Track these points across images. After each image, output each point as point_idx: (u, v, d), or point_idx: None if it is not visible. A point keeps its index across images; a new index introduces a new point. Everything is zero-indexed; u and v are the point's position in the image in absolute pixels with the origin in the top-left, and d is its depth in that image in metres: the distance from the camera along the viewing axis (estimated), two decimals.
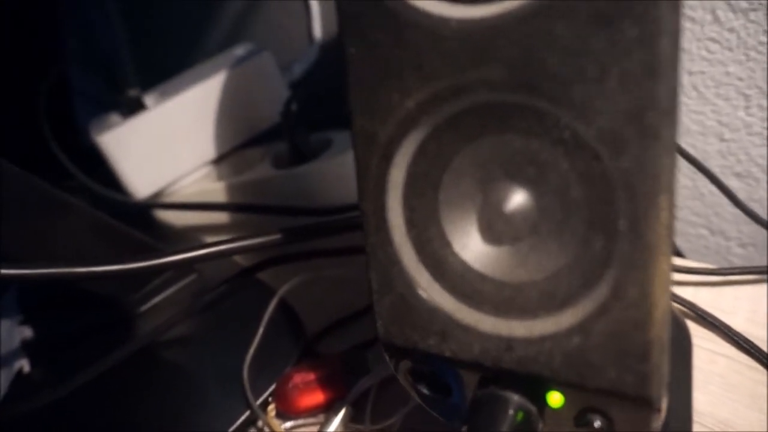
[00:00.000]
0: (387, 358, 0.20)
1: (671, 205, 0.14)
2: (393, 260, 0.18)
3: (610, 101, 0.13)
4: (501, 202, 0.17)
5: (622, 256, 0.14)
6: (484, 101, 0.15)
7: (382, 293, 0.19)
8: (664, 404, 0.16)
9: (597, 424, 0.16)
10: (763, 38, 0.28)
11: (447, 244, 0.18)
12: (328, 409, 0.27)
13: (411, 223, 0.18)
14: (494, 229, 0.17)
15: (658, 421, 0.16)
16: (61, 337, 0.35)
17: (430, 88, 0.16)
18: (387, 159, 0.17)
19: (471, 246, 0.18)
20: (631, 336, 0.15)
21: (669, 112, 0.13)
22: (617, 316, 0.15)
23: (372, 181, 0.18)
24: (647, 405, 0.15)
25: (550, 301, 0.16)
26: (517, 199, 0.17)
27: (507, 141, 0.16)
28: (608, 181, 0.14)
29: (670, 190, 0.14)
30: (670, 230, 0.14)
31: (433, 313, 0.18)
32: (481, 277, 0.17)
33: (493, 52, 0.15)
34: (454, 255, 0.18)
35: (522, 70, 0.14)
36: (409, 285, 0.18)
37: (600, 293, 0.15)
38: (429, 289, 0.18)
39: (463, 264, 0.18)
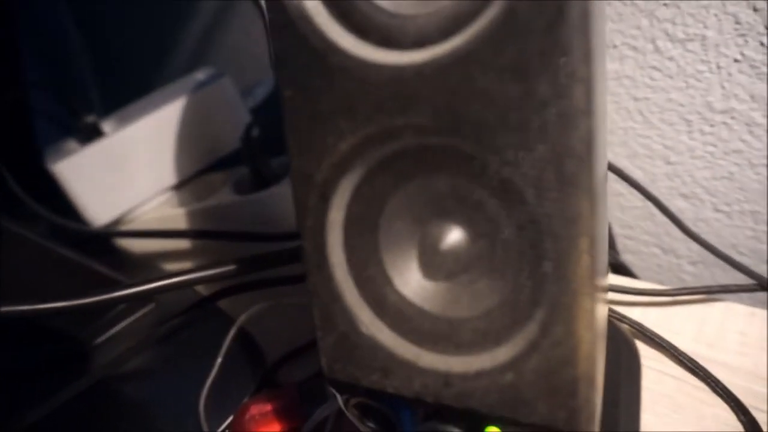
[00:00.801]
0: (335, 393, 0.20)
1: (592, 248, 0.14)
2: (334, 298, 0.18)
3: (530, 149, 0.14)
4: (437, 241, 0.17)
5: (549, 297, 0.15)
6: (414, 145, 0.16)
7: (325, 330, 0.19)
8: None
9: None
10: (701, 67, 0.30)
11: (388, 282, 0.18)
12: None
13: (351, 262, 0.18)
14: (432, 265, 0.17)
15: None
16: (13, 371, 0.34)
17: (362, 132, 0.16)
18: (324, 200, 0.17)
19: (411, 282, 0.18)
20: (560, 373, 0.15)
21: (586, 158, 0.14)
22: (546, 354, 0.15)
23: (311, 221, 0.18)
24: None
25: (484, 338, 0.16)
26: (452, 237, 0.17)
27: (437, 183, 0.16)
28: (535, 225, 0.15)
29: (591, 234, 0.14)
30: (592, 271, 0.14)
31: (375, 349, 0.18)
32: (420, 312, 0.18)
33: (419, 98, 0.15)
34: (395, 292, 0.18)
35: (447, 116, 0.15)
36: (351, 322, 0.18)
37: (530, 331, 0.15)
38: (370, 326, 0.18)
39: (404, 299, 0.18)
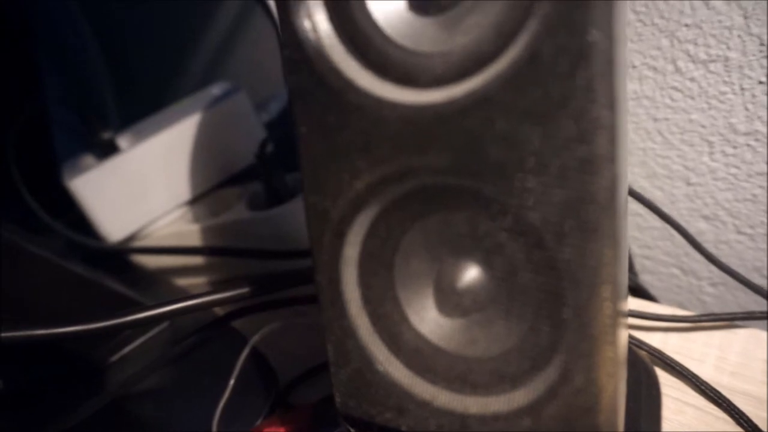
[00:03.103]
0: (348, 428, 0.20)
1: (615, 296, 0.14)
2: (348, 334, 0.18)
3: (549, 194, 0.14)
4: (454, 279, 0.17)
5: (568, 344, 0.14)
6: (431, 184, 0.15)
7: (338, 366, 0.19)
8: None
9: None
10: (723, 88, 0.29)
11: (404, 319, 0.18)
12: None
13: (366, 299, 0.18)
14: (448, 303, 0.17)
15: None
16: (28, 390, 0.34)
17: (378, 171, 0.16)
18: (339, 236, 0.17)
19: (427, 319, 0.18)
20: (581, 421, 0.15)
21: (608, 205, 0.13)
22: (566, 401, 0.15)
23: (326, 256, 0.18)
24: None
25: (500, 380, 0.16)
26: (469, 276, 0.17)
27: (455, 222, 0.16)
28: (555, 270, 0.14)
29: (614, 281, 0.14)
30: (615, 319, 0.14)
31: (390, 387, 0.18)
32: (436, 350, 0.17)
33: (436, 139, 0.15)
34: (411, 329, 0.18)
35: (465, 157, 0.14)
36: (366, 359, 0.18)
37: (549, 376, 0.15)
38: (385, 363, 0.18)
39: (420, 337, 0.17)
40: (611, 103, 0.13)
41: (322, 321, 0.19)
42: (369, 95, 0.15)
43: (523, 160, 0.14)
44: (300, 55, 0.16)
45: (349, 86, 0.16)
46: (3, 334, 0.24)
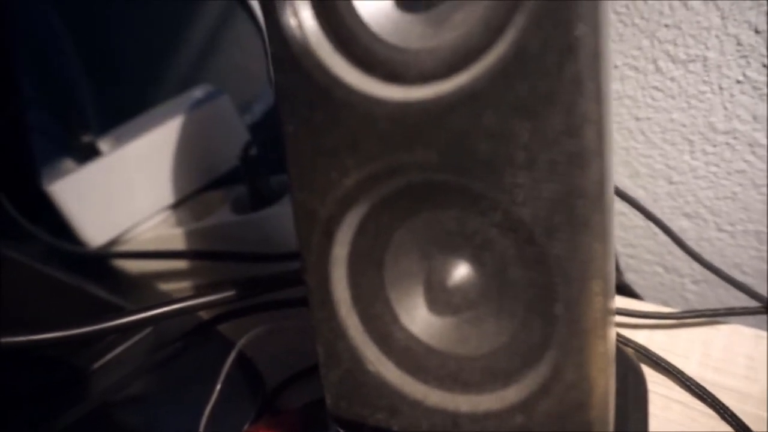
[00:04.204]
0: (339, 430, 0.20)
1: (606, 290, 0.14)
2: (339, 335, 0.18)
3: (539, 188, 0.14)
4: (444, 277, 0.17)
5: (560, 340, 0.14)
6: (420, 181, 0.15)
7: (329, 367, 0.18)
8: None
9: None
10: (703, 87, 0.29)
11: (394, 319, 0.17)
12: None
13: (356, 299, 0.18)
14: (439, 302, 0.17)
15: None
16: (10, 397, 0.34)
17: (367, 169, 0.16)
18: (328, 236, 0.17)
19: (418, 318, 0.17)
20: (573, 417, 0.15)
21: (598, 199, 0.13)
22: (558, 397, 0.15)
23: (314, 256, 0.17)
24: None
25: (492, 378, 0.16)
26: (460, 273, 0.17)
27: (444, 219, 0.16)
28: (545, 265, 0.14)
29: (604, 275, 0.14)
30: (605, 314, 0.14)
31: (381, 387, 0.18)
32: (427, 349, 0.17)
33: (425, 136, 0.15)
34: (402, 329, 0.17)
35: (453, 153, 0.14)
36: (357, 360, 0.18)
37: (541, 373, 0.15)
38: (376, 364, 0.18)
39: (410, 336, 0.17)
40: (598, 97, 0.13)
41: (311, 322, 0.18)
42: (356, 92, 0.15)
43: (512, 155, 0.14)
44: (286, 52, 0.16)
45: (335, 83, 0.15)
46: None
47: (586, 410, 0.15)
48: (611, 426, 0.15)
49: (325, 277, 0.17)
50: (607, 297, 0.14)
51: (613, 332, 0.18)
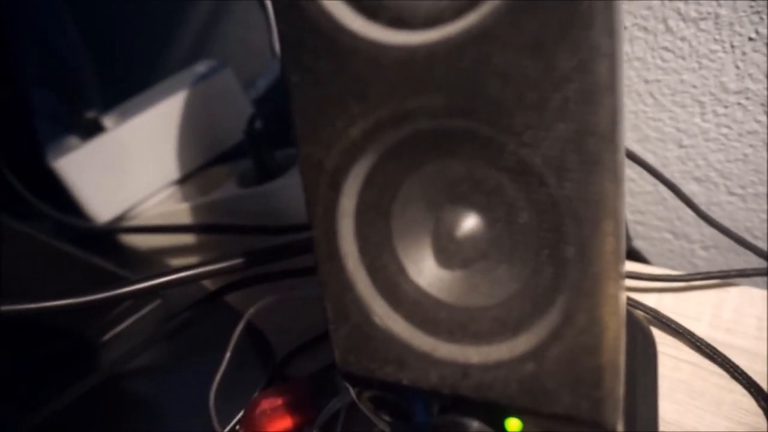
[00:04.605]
0: (348, 386, 0.20)
1: (617, 230, 0.14)
2: (346, 288, 0.18)
3: (550, 128, 0.13)
4: (452, 228, 0.17)
5: (571, 283, 0.14)
6: (428, 128, 0.15)
7: (337, 322, 0.18)
8: (619, 427, 0.16)
9: None
10: (714, 46, 0.29)
11: (402, 271, 0.17)
12: None
13: (364, 251, 0.17)
14: (447, 253, 0.17)
15: None
16: (22, 370, 0.34)
17: (373, 117, 0.15)
18: (335, 187, 0.17)
19: (426, 271, 0.17)
20: (584, 362, 0.15)
21: (610, 137, 0.13)
22: (569, 342, 0.15)
23: (321, 209, 0.17)
24: (602, 429, 0.15)
25: (503, 327, 0.16)
26: (468, 224, 0.16)
27: (452, 167, 0.16)
28: (556, 208, 0.14)
29: (615, 216, 0.14)
30: (617, 255, 0.14)
31: (389, 341, 0.18)
32: (436, 302, 0.17)
33: (432, 80, 0.14)
34: (409, 281, 0.17)
35: (462, 97, 0.14)
36: (365, 313, 0.18)
37: (552, 319, 0.15)
38: (384, 317, 0.18)
39: (418, 290, 0.17)
40: (611, 30, 0.13)
41: (319, 277, 0.18)
42: (361, 38, 0.15)
43: (522, 95, 0.13)
44: (291, 1, 0.15)
45: (340, 30, 0.15)
46: None
47: (597, 355, 0.14)
48: (622, 372, 0.15)
49: (332, 230, 0.17)
50: (619, 239, 0.14)
51: (623, 286, 0.18)
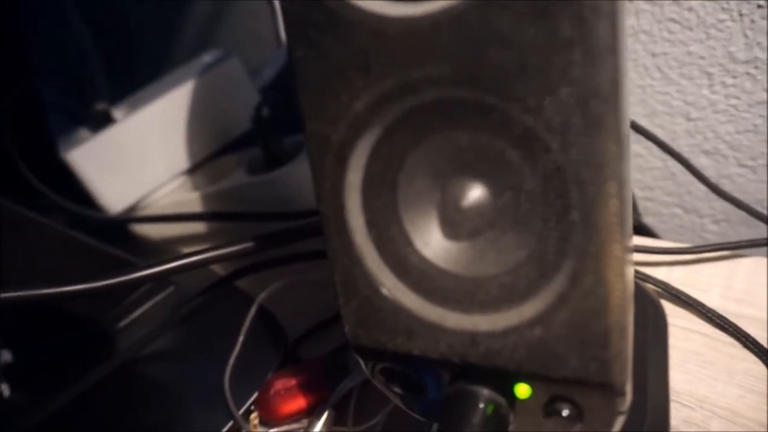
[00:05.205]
0: (359, 359, 0.20)
1: (621, 193, 0.14)
2: (355, 262, 0.18)
3: (553, 93, 0.13)
4: (458, 198, 0.17)
5: (577, 246, 0.14)
6: (432, 99, 0.15)
7: (347, 297, 0.19)
8: (628, 388, 0.16)
9: (565, 412, 0.16)
10: (722, 15, 0.29)
11: (408, 243, 0.18)
12: (310, 414, 0.27)
13: (371, 224, 0.18)
14: (453, 224, 0.17)
15: (624, 404, 0.16)
16: (40, 358, 0.35)
17: (378, 89, 0.15)
18: (341, 162, 0.17)
19: (432, 242, 0.18)
20: (591, 324, 0.15)
21: (612, 98, 0.13)
22: (576, 306, 0.15)
23: (328, 184, 0.17)
24: (611, 391, 0.15)
25: (510, 294, 0.16)
26: (474, 194, 0.17)
27: (457, 137, 0.16)
28: (560, 173, 0.14)
29: (619, 178, 0.14)
30: (622, 217, 0.14)
31: (398, 312, 0.18)
32: (442, 273, 0.17)
33: (435, 49, 0.14)
34: (416, 252, 0.17)
35: (465, 65, 0.14)
36: (373, 286, 0.18)
37: (558, 283, 0.15)
38: (393, 289, 0.18)
39: (425, 261, 0.17)
40: None
41: (328, 253, 0.18)
42: (364, 11, 0.15)
43: (523, 60, 0.13)
44: None
45: (343, 3, 0.15)
46: (7, 294, 0.24)
47: (603, 317, 0.15)
48: (629, 335, 0.15)
49: (340, 204, 0.17)
50: (623, 201, 0.14)
51: (630, 259, 0.18)
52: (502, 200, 0.16)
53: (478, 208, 0.16)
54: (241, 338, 0.31)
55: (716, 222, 0.35)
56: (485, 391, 0.17)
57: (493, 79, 0.14)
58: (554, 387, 0.16)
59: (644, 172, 0.35)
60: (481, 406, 0.17)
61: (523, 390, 0.17)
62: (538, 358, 0.16)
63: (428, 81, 0.15)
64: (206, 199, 0.42)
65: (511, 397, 0.17)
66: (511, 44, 0.14)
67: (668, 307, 0.28)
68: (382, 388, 0.21)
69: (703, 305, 0.27)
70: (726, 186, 0.33)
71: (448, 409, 0.17)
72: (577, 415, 0.16)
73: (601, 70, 0.13)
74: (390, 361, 0.19)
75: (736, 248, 0.28)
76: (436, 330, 0.17)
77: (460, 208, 0.17)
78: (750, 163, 0.32)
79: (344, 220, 0.18)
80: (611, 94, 0.13)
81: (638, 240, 0.31)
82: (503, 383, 0.17)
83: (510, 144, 0.15)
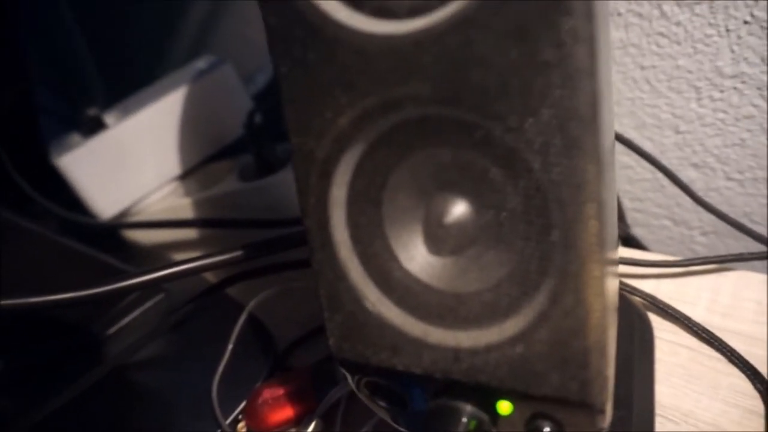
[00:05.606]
0: (344, 373, 0.20)
1: (600, 213, 0.14)
2: (340, 276, 0.18)
3: (533, 114, 0.14)
4: (441, 214, 0.17)
5: (557, 266, 0.14)
6: (415, 116, 0.15)
7: (331, 310, 0.19)
8: (608, 406, 0.16)
9: (546, 429, 0.16)
10: (709, 31, 0.29)
11: (393, 258, 0.18)
12: (298, 423, 0.27)
13: (356, 239, 0.18)
14: (437, 240, 0.17)
15: (605, 421, 0.16)
16: (29, 365, 0.35)
17: (361, 105, 0.16)
18: (326, 177, 0.17)
19: (417, 258, 0.18)
20: (571, 343, 0.15)
21: (591, 121, 0.13)
22: (556, 324, 0.15)
23: (313, 199, 0.17)
24: (591, 409, 0.15)
25: (492, 311, 0.16)
26: (457, 211, 0.17)
27: (441, 155, 0.16)
28: (542, 193, 0.14)
29: (598, 199, 0.14)
30: (601, 237, 0.14)
31: (383, 327, 0.18)
32: (426, 288, 0.17)
33: (417, 68, 0.15)
34: (401, 268, 0.18)
35: (447, 84, 0.14)
36: (358, 300, 0.18)
37: (539, 302, 0.15)
38: (377, 303, 0.18)
39: (410, 276, 0.18)
40: (589, 15, 0.13)
41: (313, 266, 0.19)
42: (347, 29, 0.15)
43: (504, 81, 0.14)
44: None
45: (327, 20, 0.15)
46: None
47: (582, 337, 0.15)
48: (610, 354, 0.16)
49: (325, 219, 0.18)
50: (602, 222, 0.14)
51: (614, 273, 0.18)
52: (485, 218, 0.16)
53: (461, 225, 0.17)
54: (230, 346, 0.31)
55: (704, 234, 0.35)
56: (468, 407, 0.17)
57: (474, 98, 0.14)
58: (535, 404, 0.16)
59: (634, 183, 0.36)
60: (464, 421, 0.17)
61: (505, 407, 0.17)
62: (519, 376, 0.16)
63: (411, 99, 0.15)
64: (198, 205, 0.42)
65: (494, 414, 0.17)
66: (492, 65, 0.14)
67: (655, 320, 0.28)
68: (367, 402, 0.21)
69: (689, 319, 0.27)
70: (714, 199, 0.33)
71: (431, 424, 0.17)
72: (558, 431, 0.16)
73: (579, 93, 0.13)
74: (374, 375, 0.19)
75: (723, 262, 0.28)
76: (419, 345, 0.17)
77: (443, 224, 0.17)
78: (737, 176, 0.32)
79: (329, 235, 0.18)
80: (589, 116, 0.13)
81: (626, 252, 0.31)
82: (486, 399, 0.17)
83: (493, 163, 0.15)
